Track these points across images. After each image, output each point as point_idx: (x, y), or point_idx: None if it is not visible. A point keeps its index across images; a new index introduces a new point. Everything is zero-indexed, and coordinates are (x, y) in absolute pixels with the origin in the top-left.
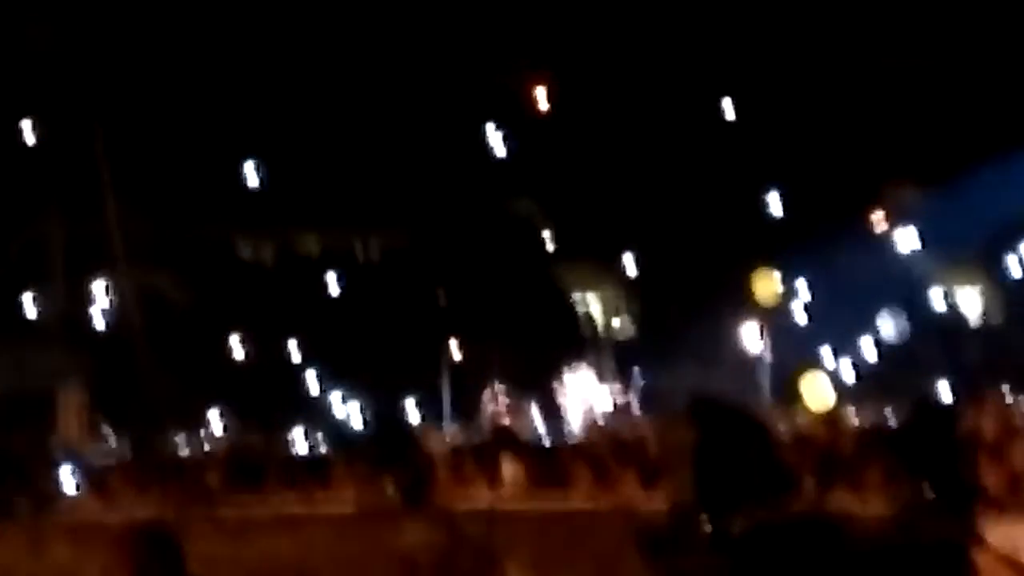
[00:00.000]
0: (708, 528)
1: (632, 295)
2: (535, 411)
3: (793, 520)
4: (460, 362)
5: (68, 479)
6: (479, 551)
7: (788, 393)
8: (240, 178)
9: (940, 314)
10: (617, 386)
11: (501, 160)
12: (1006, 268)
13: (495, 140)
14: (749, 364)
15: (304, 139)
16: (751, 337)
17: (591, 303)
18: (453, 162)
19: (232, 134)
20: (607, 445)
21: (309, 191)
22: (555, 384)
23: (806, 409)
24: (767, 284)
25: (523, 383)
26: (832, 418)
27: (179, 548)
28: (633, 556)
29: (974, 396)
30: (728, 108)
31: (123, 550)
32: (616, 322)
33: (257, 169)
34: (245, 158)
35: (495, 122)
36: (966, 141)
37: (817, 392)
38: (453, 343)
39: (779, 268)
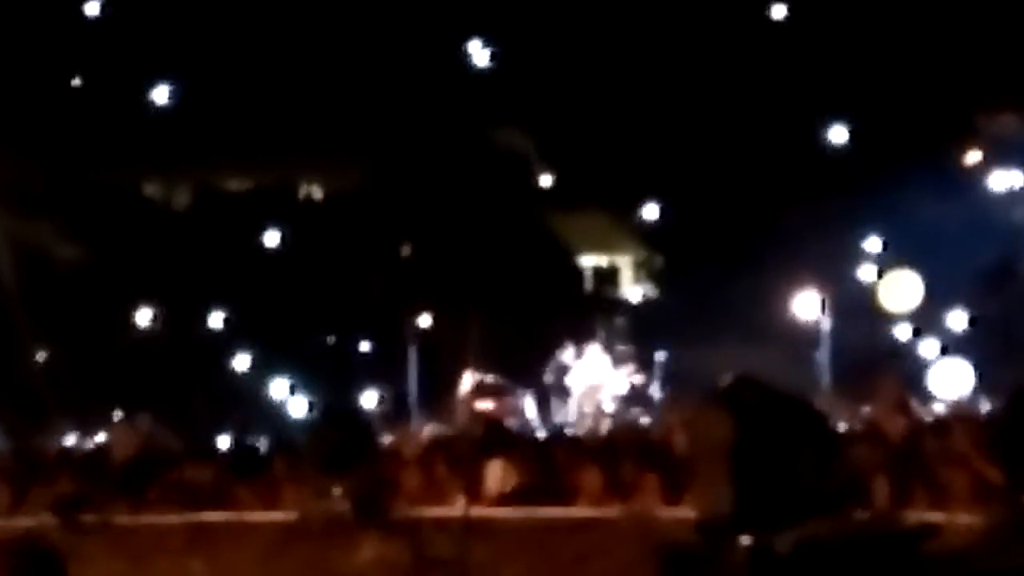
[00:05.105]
0: (748, 546)
1: (653, 252)
2: (528, 399)
3: (857, 536)
4: (431, 336)
5: None
6: (451, 571)
7: (854, 376)
8: (145, 100)
9: None
10: (633, 367)
11: (483, 73)
12: None
13: (475, 48)
14: (804, 340)
15: (228, 47)
16: (807, 305)
17: (600, 263)
18: (421, 77)
19: (133, 41)
20: (621, 442)
21: (234, 115)
22: (553, 364)
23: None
24: (901, 289)
25: (512, 363)
26: (906, 405)
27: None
28: None
29: None
30: (779, 8)
31: None
32: (632, 287)
33: (169, 87)
34: (154, 76)
35: (476, 25)
36: None
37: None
38: (422, 313)
39: (845, 219)
